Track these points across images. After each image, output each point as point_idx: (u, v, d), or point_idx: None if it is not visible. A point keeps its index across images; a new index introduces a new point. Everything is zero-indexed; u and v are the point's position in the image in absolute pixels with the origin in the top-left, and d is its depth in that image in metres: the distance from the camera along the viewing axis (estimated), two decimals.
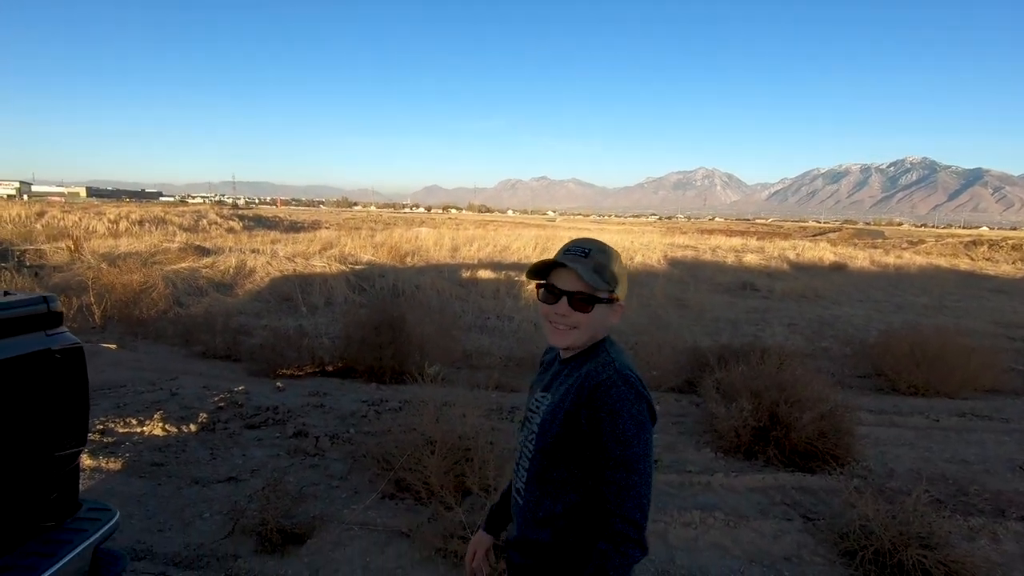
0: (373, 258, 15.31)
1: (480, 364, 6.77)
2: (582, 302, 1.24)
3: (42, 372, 1.71)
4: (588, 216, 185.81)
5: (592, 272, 1.23)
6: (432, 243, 19.42)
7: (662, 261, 19.06)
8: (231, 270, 12.07)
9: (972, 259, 28.89)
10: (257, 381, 5.88)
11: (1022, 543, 3.32)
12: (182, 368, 6.28)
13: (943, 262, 25.63)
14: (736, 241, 31.67)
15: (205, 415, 4.66)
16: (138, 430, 4.35)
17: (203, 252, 14.08)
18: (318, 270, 12.24)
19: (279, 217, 42.29)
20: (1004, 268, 25.20)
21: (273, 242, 18.49)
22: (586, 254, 1.25)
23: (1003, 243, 33.21)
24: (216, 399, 5.07)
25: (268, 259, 12.82)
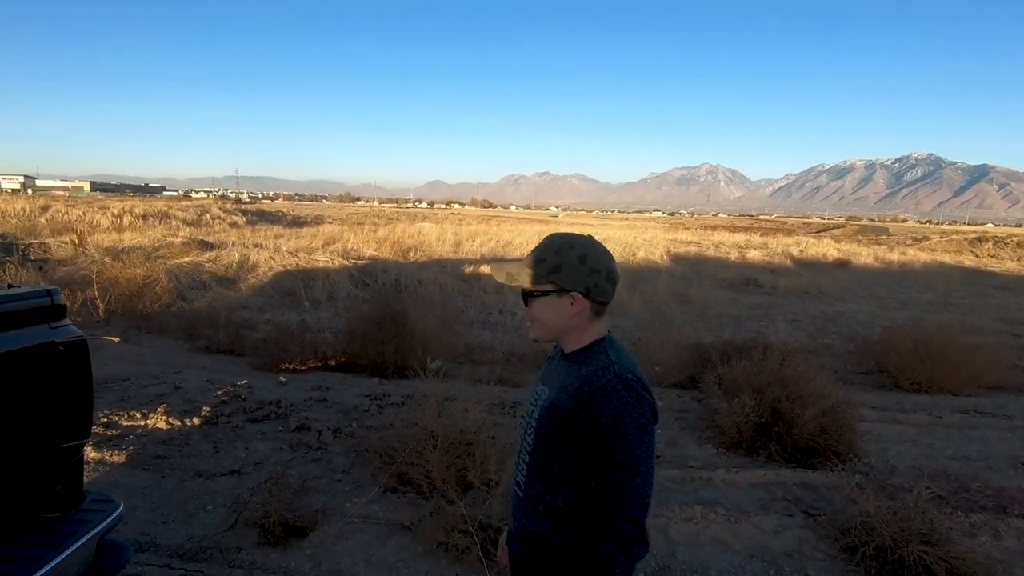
0: (376, 253, 15.32)
1: (482, 359, 6.78)
2: (524, 297, 1.33)
3: (46, 365, 1.72)
4: (591, 212, 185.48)
5: (527, 268, 1.30)
6: (435, 238, 19.41)
7: (665, 257, 19.02)
8: (234, 265, 12.10)
9: (977, 256, 28.75)
10: (260, 375, 5.91)
11: (1023, 540, 3.32)
12: (185, 362, 6.31)
13: (948, 259, 25.52)
14: (739, 237, 31.57)
15: (208, 409, 4.68)
16: (142, 423, 4.37)
17: (206, 247, 14.10)
18: (321, 265, 12.26)
19: (282, 212, 42.34)
20: (1009, 265, 25.07)
21: (276, 237, 18.50)
22: (534, 251, 1.32)
23: (1008, 240, 33.01)
24: (219, 393, 5.10)
25: (271, 254, 12.84)
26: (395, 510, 3.32)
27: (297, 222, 32.13)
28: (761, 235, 34.62)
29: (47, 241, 14.48)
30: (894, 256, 24.28)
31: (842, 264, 20.79)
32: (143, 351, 6.68)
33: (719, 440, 4.54)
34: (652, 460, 1.20)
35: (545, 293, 1.28)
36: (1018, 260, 27.44)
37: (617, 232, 28.62)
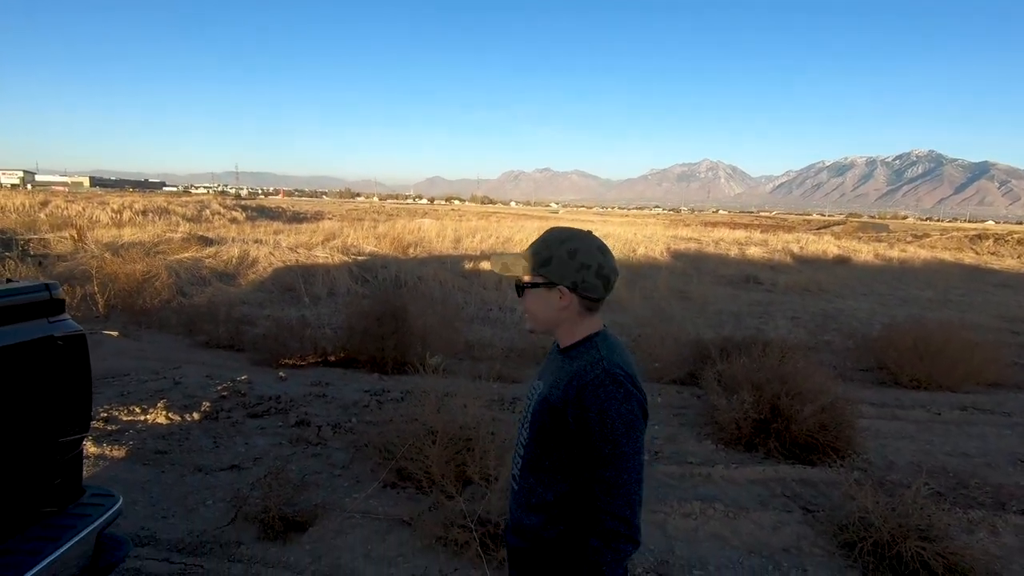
0: (376, 249, 15.31)
1: (482, 355, 6.78)
2: (517, 288, 1.36)
3: (44, 359, 1.72)
4: (591, 208, 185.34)
5: (521, 259, 1.33)
6: (435, 234, 19.39)
7: (665, 254, 19.00)
8: (234, 260, 12.09)
9: (977, 253, 28.71)
10: (260, 371, 5.91)
11: (1021, 536, 3.33)
12: (185, 357, 6.31)
13: (948, 256, 25.49)
14: (740, 234, 31.52)
15: (208, 404, 4.69)
16: (142, 418, 4.38)
17: (206, 242, 14.09)
18: (321, 261, 12.26)
19: (282, 208, 42.28)
20: (1009, 262, 25.04)
21: (276, 232, 18.49)
22: (531, 244, 1.34)
23: (1008, 237, 32.96)
24: (219, 388, 5.10)
25: (271, 249, 12.83)
26: (394, 505, 3.33)
27: (297, 218, 32.10)
28: (761, 232, 34.57)
29: (46, 236, 14.47)
30: (894, 253, 24.25)
31: (842, 261, 20.77)
32: (143, 346, 6.68)
33: (718, 436, 4.55)
34: (640, 456, 1.19)
35: (535, 285, 1.31)
36: (1018, 257, 27.42)
37: (617, 228, 28.57)
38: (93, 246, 12.21)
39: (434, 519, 3.03)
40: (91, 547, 1.74)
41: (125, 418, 4.37)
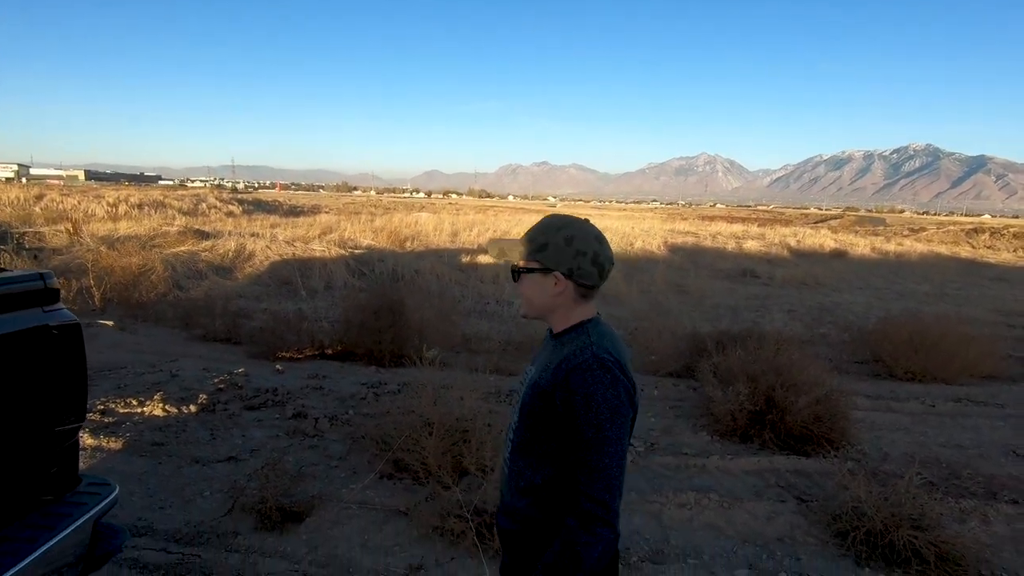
0: (373, 243, 15.28)
1: (479, 348, 6.79)
2: (513, 274, 1.36)
3: (39, 348, 1.72)
4: (589, 202, 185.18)
5: (518, 245, 1.34)
6: (432, 228, 19.36)
7: (662, 247, 19.01)
8: (230, 254, 12.06)
9: (973, 247, 28.80)
10: (257, 363, 5.91)
11: (1012, 525, 3.36)
12: (182, 350, 6.31)
13: (944, 250, 25.55)
14: (737, 228, 31.56)
15: (205, 396, 4.69)
16: (138, 410, 4.38)
17: (202, 236, 14.05)
18: (318, 254, 12.23)
19: (278, 201, 42.14)
20: (1005, 256, 25.14)
21: (272, 226, 18.44)
22: (528, 230, 1.35)
23: (1005, 231, 33.08)
24: (216, 381, 5.10)
25: (267, 243, 12.80)
26: (391, 496, 3.35)
27: (294, 211, 31.99)
28: (758, 226, 34.59)
29: (42, 230, 14.41)
30: (891, 247, 24.30)
31: (839, 255, 20.82)
32: (139, 340, 6.67)
33: (714, 428, 4.58)
34: (624, 443, 1.20)
35: (531, 271, 1.32)
36: (1014, 251, 27.52)
37: (615, 222, 28.56)
38: (89, 240, 12.16)
39: (430, 509, 3.05)
40: (87, 535, 1.75)
41: (122, 410, 4.37)
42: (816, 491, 3.67)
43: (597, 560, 1.17)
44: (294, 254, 12.11)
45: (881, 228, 40.15)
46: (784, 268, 15.79)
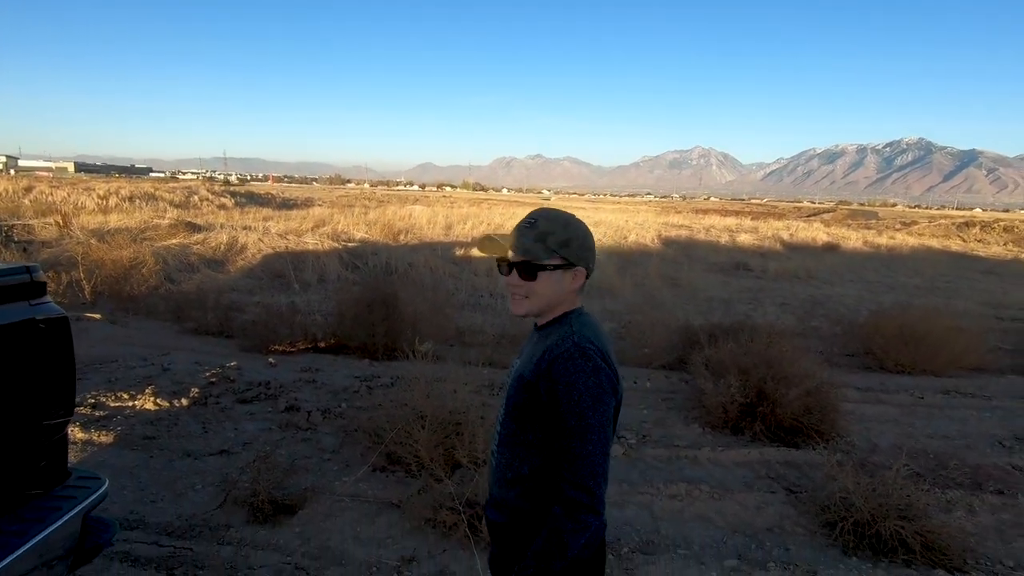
0: (366, 236, 15.23)
1: (473, 341, 6.80)
2: (526, 271, 1.28)
3: (26, 342, 1.71)
4: (583, 195, 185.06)
5: (533, 241, 1.27)
6: (426, 221, 19.30)
7: (656, 241, 19.05)
8: (222, 247, 11.99)
9: (964, 241, 29.00)
10: (249, 357, 5.89)
11: (997, 515, 3.41)
12: (173, 344, 6.28)
13: (935, 243, 25.74)
14: (730, 221, 31.63)
15: (197, 390, 4.67)
16: (129, 404, 4.36)
17: (194, 228, 13.95)
18: (311, 247, 12.18)
19: (271, 194, 41.82)
20: (995, 250, 25.34)
21: (265, 219, 18.32)
22: (532, 224, 1.30)
23: (995, 225, 33.29)
24: (208, 374, 5.09)
25: (260, 236, 12.73)
26: (384, 488, 3.36)
27: (287, 204, 31.81)
28: (752, 219, 34.71)
29: (31, 223, 14.24)
30: (883, 240, 24.45)
31: (831, 248, 20.93)
32: (130, 333, 6.63)
33: (705, 420, 4.61)
34: (607, 431, 1.21)
35: (555, 267, 1.29)
36: (1004, 245, 27.75)
37: (609, 215, 28.55)
38: (79, 232, 12.05)
39: (423, 502, 3.06)
40: (77, 529, 1.75)
41: (113, 404, 4.35)
42: (805, 482, 3.71)
43: (583, 547, 1.19)
44: (287, 247, 12.05)
45: (873, 222, 40.37)
46: (777, 261, 15.86)
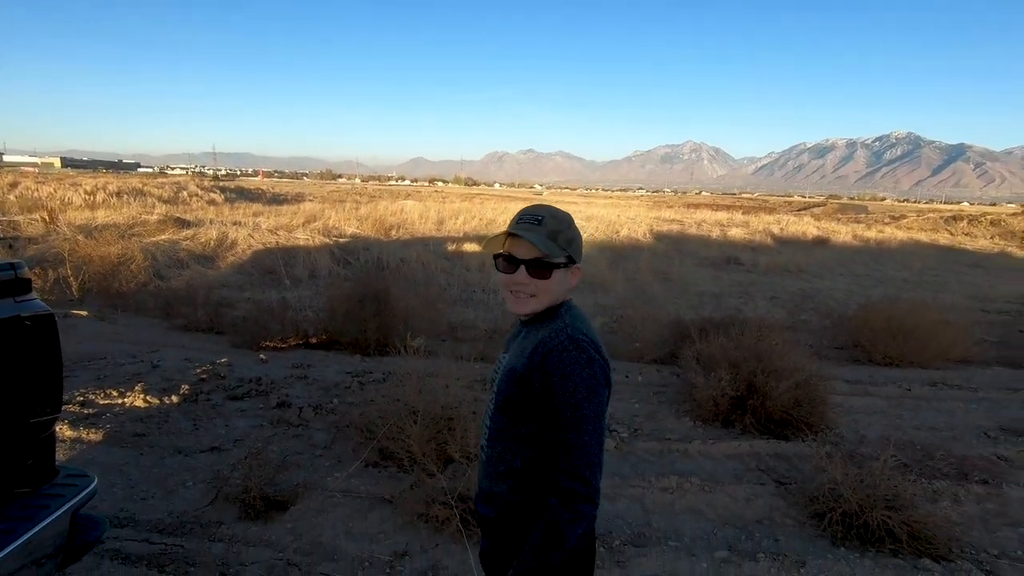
0: (358, 231, 15.15)
1: (465, 337, 6.79)
2: (540, 269, 1.26)
3: (12, 339, 1.69)
4: (575, 190, 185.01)
5: (546, 239, 1.26)
6: (417, 216, 19.24)
7: (648, 235, 19.10)
8: (212, 243, 11.89)
9: (952, 234, 29.30)
10: (240, 353, 5.86)
11: (982, 505, 3.47)
12: (163, 341, 6.23)
13: (924, 237, 25.99)
14: (722, 215, 31.79)
15: (187, 387, 4.65)
16: (119, 401, 4.33)
17: (183, 224, 13.83)
18: (301, 243, 12.11)
19: (261, 189, 41.50)
20: (982, 243, 25.64)
21: (255, 215, 18.19)
22: (539, 221, 1.28)
23: (982, 218, 33.67)
24: (198, 371, 5.06)
25: (250, 232, 12.64)
26: (376, 484, 3.36)
27: (277, 199, 31.56)
28: (743, 213, 34.86)
29: (16, 219, 14.04)
30: (872, 234, 24.66)
31: (821, 242, 21.09)
32: (119, 330, 6.58)
33: (696, 413, 4.64)
34: (602, 421, 1.22)
35: (566, 265, 1.30)
36: (991, 238, 28.07)
37: (601, 210, 28.58)
38: (66, 228, 11.88)
39: (415, 497, 3.06)
40: (66, 527, 1.74)
41: (102, 401, 4.31)
42: (795, 474, 3.74)
43: (580, 537, 1.20)
44: (277, 243, 11.97)
45: (863, 216, 40.70)
46: (767, 255, 15.96)
